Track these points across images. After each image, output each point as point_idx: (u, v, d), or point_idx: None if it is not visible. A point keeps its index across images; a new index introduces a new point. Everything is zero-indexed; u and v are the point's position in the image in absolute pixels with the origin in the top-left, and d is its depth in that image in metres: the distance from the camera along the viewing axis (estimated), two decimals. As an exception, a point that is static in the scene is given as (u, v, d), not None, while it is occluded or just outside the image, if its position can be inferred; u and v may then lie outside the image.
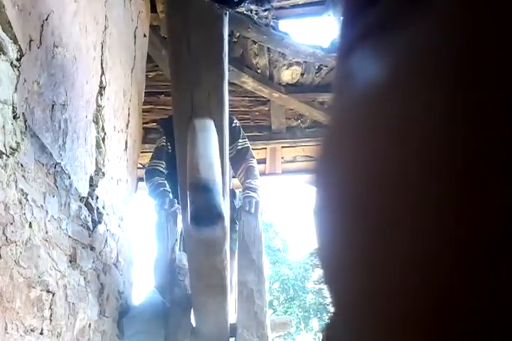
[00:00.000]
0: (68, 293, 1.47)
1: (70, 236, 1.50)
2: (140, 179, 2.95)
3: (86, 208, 1.69)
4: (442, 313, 0.12)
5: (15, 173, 1.10)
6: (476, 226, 0.12)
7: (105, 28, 1.97)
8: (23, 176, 1.15)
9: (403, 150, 0.14)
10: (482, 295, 0.12)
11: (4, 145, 1.05)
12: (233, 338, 2.33)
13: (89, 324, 1.69)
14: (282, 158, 4.28)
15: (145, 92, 3.22)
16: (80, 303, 1.58)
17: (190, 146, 1.39)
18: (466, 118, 0.13)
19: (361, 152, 0.16)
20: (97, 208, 1.82)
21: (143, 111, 3.21)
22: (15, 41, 1.10)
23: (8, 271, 1.05)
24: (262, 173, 4.12)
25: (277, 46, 3.89)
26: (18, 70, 1.12)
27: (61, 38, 1.43)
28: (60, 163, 1.41)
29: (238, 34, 3.93)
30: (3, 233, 1.04)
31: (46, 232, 1.30)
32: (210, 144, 1.39)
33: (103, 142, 1.93)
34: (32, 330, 1.19)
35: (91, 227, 1.74)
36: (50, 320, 1.32)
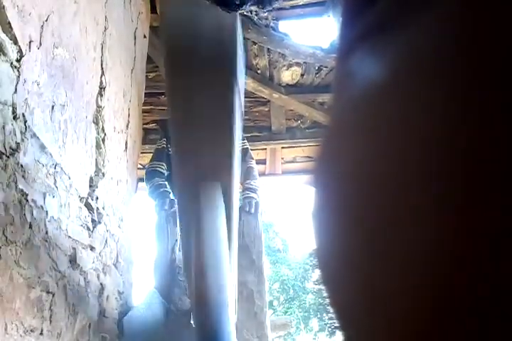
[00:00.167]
0: (68, 293, 1.47)
1: (69, 237, 1.50)
2: (140, 179, 2.95)
3: (86, 208, 1.69)
4: (442, 313, 0.12)
5: (15, 174, 1.10)
6: (477, 227, 0.12)
7: (105, 28, 1.97)
8: (23, 176, 1.15)
9: (403, 151, 0.14)
10: (482, 295, 0.12)
11: (4, 146, 1.05)
12: (233, 339, 2.33)
13: (89, 324, 1.69)
14: (282, 158, 4.28)
15: (145, 93, 3.22)
16: (80, 304, 1.58)
17: (196, 229, 1.24)
18: (466, 119, 0.13)
19: (361, 152, 0.16)
20: (97, 208, 1.82)
21: (143, 112, 3.21)
22: (15, 42, 1.10)
23: (8, 271, 1.05)
24: (262, 174, 4.12)
25: (277, 47, 3.89)
26: (18, 71, 1.12)
27: (61, 39, 1.43)
28: (59, 164, 1.41)
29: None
30: (3, 233, 1.04)
31: (46, 233, 1.30)
32: (219, 232, 1.23)
33: (103, 143, 1.93)
34: (32, 331, 1.19)
35: (91, 228, 1.74)
36: (50, 321, 1.32)
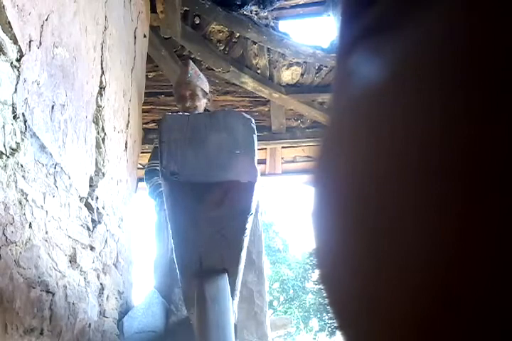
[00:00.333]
0: (68, 293, 1.47)
1: (69, 237, 1.50)
2: (140, 179, 2.96)
3: (86, 208, 1.69)
4: (441, 314, 0.12)
5: (15, 173, 1.10)
6: (477, 227, 0.12)
7: (105, 28, 1.97)
8: (22, 176, 1.15)
9: (403, 150, 0.14)
10: (482, 296, 0.12)
11: (4, 146, 1.05)
12: (233, 338, 2.33)
13: (89, 324, 1.69)
14: (282, 158, 4.29)
15: (145, 92, 3.22)
16: (80, 303, 1.58)
17: (199, 322, 1.17)
18: (467, 119, 0.13)
19: (360, 152, 0.16)
20: (97, 208, 1.82)
21: (143, 112, 3.21)
22: (15, 41, 1.10)
23: (8, 271, 1.05)
24: (262, 173, 4.12)
25: (277, 46, 3.90)
26: (18, 70, 1.12)
27: (61, 39, 1.43)
28: (59, 164, 1.41)
29: (238, 34, 3.94)
30: (3, 233, 1.04)
31: (46, 232, 1.30)
32: (224, 327, 1.15)
33: (103, 142, 1.93)
34: (32, 330, 1.19)
35: (91, 227, 1.74)
36: (50, 320, 1.32)
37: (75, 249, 1.55)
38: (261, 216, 2.70)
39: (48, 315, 1.30)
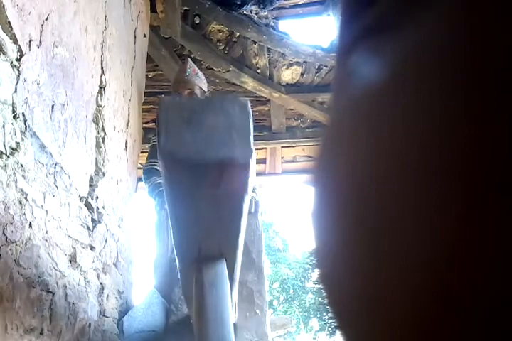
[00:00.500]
0: (68, 292, 1.47)
1: (69, 236, 1.50)
2: (140, 179, 2.95)
3: (86, 208, 1.69)
4: (441, 314, 0.12)
5: (15, 173, 1.10)
6: (477, 227, 0.12)
7: (105, 28, 1.97)
8: (22, 176, 1.15)
9: (403, 151, 0.14)
10: (483, 297, 0.12)
11: (4, 145, 1.05)
12: (233, 338, 2.33)
13: (89, 324, 1.69)
14: (282, 157, 4.29)
15: (145, 92, 3.22)
16: (80, 303, 1.58)
17: (197, 313, 1.19)
18: (467, 119, 0.13)
19: (360, 152, 0.16)
20: (97, 208, 1.82)
21: (143, 111, 3.21)
22: (15, 41, 1.10)
23: (8, 270, 1.05)
24: (262, 173, 4.12)
25: (277, 46, 3.90)
26: (18, 70, 1.12)
27: (61, 38, 1.43)
28: (59, 163, 1.41)
29: (238, 34, 3.94)
30: (3, 233, 1.04)
31: (46, 232, 1.30)
32: (223, 311, 1.16)
33: (103, 142, 1.93)
34: (32, 330, 1.19)
35: (91, 227, 1.74)
36: (50, 320, 1.32)
37: (74, 248, 1.55)
38: (261, 216, 2.69)
39: (48, 315, 1.30)
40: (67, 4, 1.49)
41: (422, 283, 0.13)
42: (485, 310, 0.12)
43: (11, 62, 1.09)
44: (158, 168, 2.68)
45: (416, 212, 0.13)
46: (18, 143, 1.12)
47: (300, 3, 4.09)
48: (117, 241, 2.17)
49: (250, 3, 3.73)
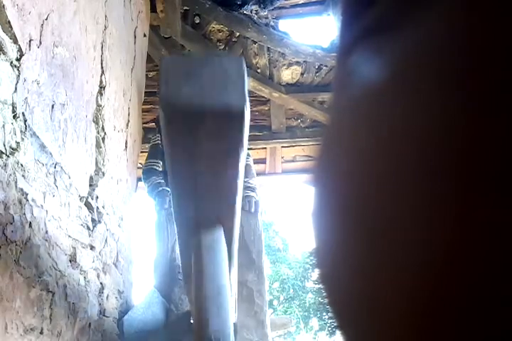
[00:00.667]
0: (68, 292, 1.47)
1: (69, 236, 1.50)
2: (140, 179, 2.96)
3: (86, 208, 1.69)
4: (440, 313, 0.12)
5: (15, 173, 1.10)
6: (476, 228, 0.12)
7: (105, 27, 1.97)
8: (22, 176, 1.15)
9: (403, 151, 0.14)
10: (481, 295, 0.12)
11: (4, 145, 1.05)
12: (233, 338, 2.33)
13: (89, 323, 1.69)
14: (282, 157, 4.29)
15: (145, 92, 3.22)
16: (80, 303, 1.59)
17: (195, 275, 1.21)
18: (466, 119, 0.13)
19: (360, 152, 0.16)
20: (97, 208, 1.82)
21: (143, 111, 3.21)
22: (15, 41, 1.10)
23: (8, 270, 1.06)
24: (262, 173, 4.12)
25: (277, 46, 3.89)
26: (18, 70, 1.12)
27: (61, 38, 1.43)
28: (59, 163, 1.41)
29: (238, 34, 3.94)
30: (3, 233, 1.04)
31: (46, 232, 1.30)
32: (221, 273, 1.20)
33: (103, 142, 1.93)
34: (32, 330, 1.19)
35: (91, 227, 1.74)
36: (50, 320, 1.32)
37: (74, 248, 1.55)
38: (261, 216, 2.70)
39: (48, 315, 1.30)
40: (67, 4, 1.49)
41: (420, 282, 0.13)
42: (483, 310, 0.12)
43: (11, 62, 1.09)
44: (157, 168, 2.68)
45: (414, 212, 0.13)
46: (18, 143, 1.12)
47: (300, 2, 4.09)
48: (117, 241, 2.17)
49: (251, 3, 3.73)
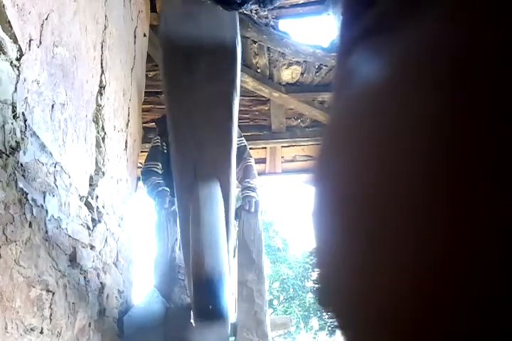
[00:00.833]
0: (68, 292, 1.47)
1: (69, 236, 1.50)
2: (140, 178, 2.96)
3: (86, 207, 1.69)
4: (438, 312, 0.12)
5: (15, 173, 1.10)
6: (467, 227, 0.12)
7: (105, 27, 1.97)
8: (22, 175, 1.15)
9: (402, 150, 0.14)
10: (476, 294, 0.12)
11: (4, 145, 1.05)
12: (233, 337, 2.34)
13: (89, 323, 1.69)
14: (282, 157, 4.29)
15: (145, 92, 3.22)
16: (80, 303, 1.59)
17: (193, 222, 1.28)
18: (466, 118, 0.13)
19: (360, 152, 0.16)
20: (97, 207, 1.82)
21: (143, 111, 3.21)
22: (15, 41, 1.10)
23: (8, 270, 1.06)
24: (262, 173, 4.12)
25: (277, 46, 3.89)
26: (18, 70, 1.12)
27: (61, 38, 1.43)
28: (59, 163, 1.41)
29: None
30: (3, 232, 1.04)
31: (46, 232, 1.30)
32: (217, 221, 1.27)
33: (103, 141, 1.93)
34: (32, 329, 1.19)
35: (91, 227, 1.74)
36: (50, 319, 1.32)
37: (75, 248, 1.55)
38: (261, 215, 2.70)
39: (48, 314, 1.30)
40: (67, 4, 1.48)
41: (418, 282, 0.13)
42: (481, 309, 0.12)
43: (11, 62, 1.09)
44: (156, 170, 2.68)
45: (413, 212, 0.13)
46: (18, 143, 1.12)
47: (300, 2, 4.08)
48: (117, 241, 2.17)
49: (250, 2, 3.71)
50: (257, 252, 2.51)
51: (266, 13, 3.87)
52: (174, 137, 1.23)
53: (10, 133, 1.08)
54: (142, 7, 2.97)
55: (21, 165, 1.14)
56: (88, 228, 1.71)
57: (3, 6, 1.03)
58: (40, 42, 1.26)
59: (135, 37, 2.69)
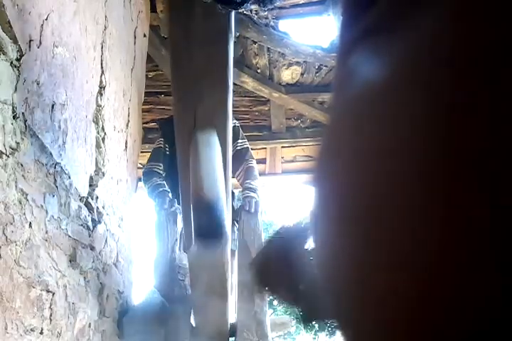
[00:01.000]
0: (68, 292, 1.47)
1: (69, 236, 1.50)
2: (140, 179, 2.96)
3: (86, 208, 1.69)
4: (435, 313, 0.12)
5: (15, 173, 1.10)
6: (466, 227, 0.12)
7: (105, 27, 1.97)
8: (22, 176, 1.15)
9: (402, 150, 0.14)
10: (473, 295, 0.12)
11: (4, 145, 1.05)
12: (233, 338, 2.34)
13: (89, 324, 1.69)
14: (282, 157, 4.29)
15: (145, 92, 3.22)
16: (80, 303, 1.59)
17: (192, 161, 1.36)
18: (467, 118, 0.13)
19: (360, 152, 0.16)
20: (97, 208, 1.82)
21: (143, 111, 3.21)
22: (15, 41, 1.10)
23: (8, 270, 1.06)
24: (262, 173, 4.12)
25: (277, 46, 3.89)
26: (18, 70, 1.12)
27: (61, 38, 1.43)
28: (59, 163, 1.41)
29: (238, 34, 3.93)
30: (3, 233, 1.04)
31: (46, 232, 1.30)
32: (214, 159, 1.36)
33: (103, 142, 1.93)
34: (32, 330, 1.19)
35: (91, 227, 1.74)
36: (50, 320, 1.32)
37: (74, 248, 1.55)
38: (261, 215, 2.70)
39: (48, 315, 1.30)
40: (67, 4, 1.48)
41: (415, 282, 0.13)
42: (478, 309, 0.12)
43: (11, 62, 1.09)
44: (158, 170, 2.69)
45: (410, 212, 0.13)
46: (18, 143, 1.12)
47: (300, 2, 4.08)
48: (117, 241, 2.17)
49: (250, 2, 3.71)
50: (257, 252, 2.51)
51: (266, 13, 3.87)
52: (176, 84, 1.32)
53: (10, 133, 1.08)
54: (142, 7, 2.98)
55: (21, 165, 1.14)
56: (88, 228, 1.71)
57: (3, 6, 1.03)
58: (40, 43, 1.26)
59: (135, 37, 2.69)
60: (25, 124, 1.16)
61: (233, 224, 2.60)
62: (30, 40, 1.19)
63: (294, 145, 4.27)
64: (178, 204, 2.28)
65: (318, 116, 4.07)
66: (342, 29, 0.19)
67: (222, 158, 1.43)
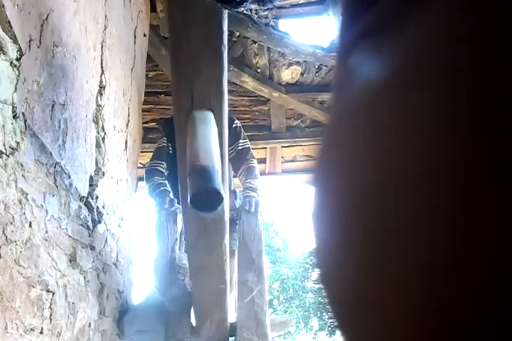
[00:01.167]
0: (68, 292, 1.47)
1: (69, 236, 1.50)
2: (140, 179, 2.96)
3: (86, 208, 1.69)
4: (438, 314, 0.12)
5: (15, 173, 1.10)
6: (475, 236, 0.12)
7: (105, 27, 1.97)
8: (22, 176, 1.15)
9: (402, 150, 0.14)
10: (482, 306, 0.12)
11: (4, 145, 1.05)
12: (233, 337, 2.34)
13: (89, 323, 1.69)
14: (282, 157, 4.29)
15: (145, 92, 3.22)
16: (80, 303, 1.59)
17: (189, 137, 1.40)
18: (468, 119, 0.13)
19: (361, 152, 0.16)
20: (97, 208, 1.82)
21: (143, 111, 3.21)
22: (15, 41, 1.10)
23: (8, 270, 1.06)
24: (262, 173, 4.12)
25: (277, 46, 3.89)
26: (18, 70, 1.12)
27: (61, 38, 1.43)
28: (59, 163, 1.41)
29: (238, 34, 3.93)
30: (3, 232, 1.04)
31: (46, 232, 1.30)
32: (210, 135, 1.40)
33: (103, 142, 1.93)
34: (32, 330, 1.19)
35: (91, 227, 1.74)
36: (50, 320, 1.32)
37: (74, 248, 1.55)
38: (261, 215, 2.70)
39: (48, 314, 1.30)
40: (67, 4, 1.48)
41: (422, 284, 0.13)
42: (490, 311, 0.12)
43: (11, 62, 1.09)
44: (161, 168, 2.69)
45: (417, 211, 0.13)
46: (18, 143, 1.12)
47: (300, 2, 4.08)
48: (117, 241, 2.17)
49: (250, 1, 3.70)
50: (257, 252, 2.51)
51: (266, 13, 3.86)
52: (175, 65, 1.36)
53: (10, 133, 1.08)
54: (142, 7, 2.97)
55: (21, 165, 1.14)
56: (88, 228, 1.71)
57: (3, 6, 1.03)
58: (40, 43, 1.26)
59: (135, 37, 2.69)
60: (25, 124, 1.16)
61: (234, 223, 2.60)
62: (30, 40, 1.19)
63: (294, 144, 4.27)
64: (178, 203, 2.28)
65: (318, 115, 4.07)
66: (342, 28, 0.19)
67: (218, 135, 1.47)
